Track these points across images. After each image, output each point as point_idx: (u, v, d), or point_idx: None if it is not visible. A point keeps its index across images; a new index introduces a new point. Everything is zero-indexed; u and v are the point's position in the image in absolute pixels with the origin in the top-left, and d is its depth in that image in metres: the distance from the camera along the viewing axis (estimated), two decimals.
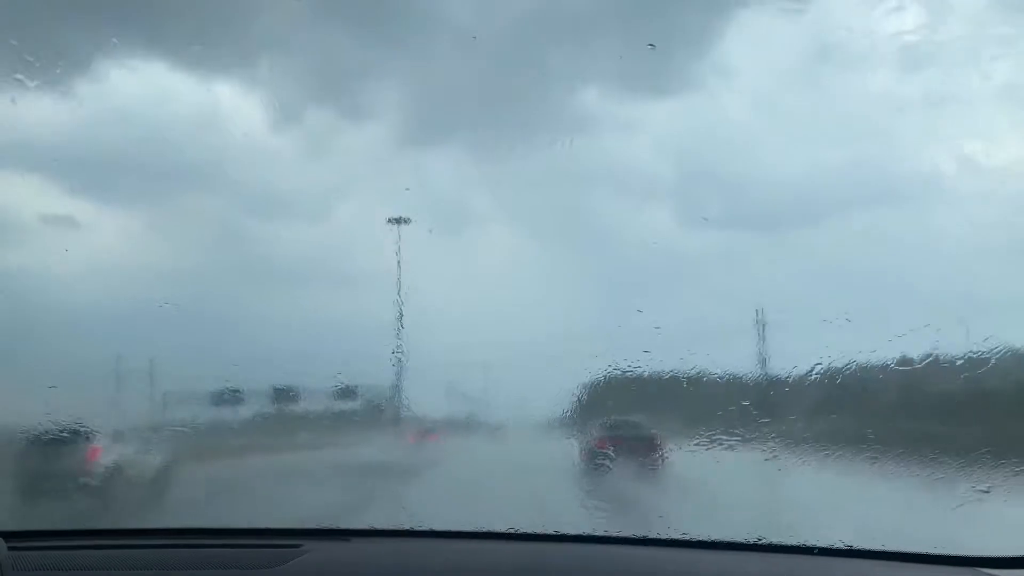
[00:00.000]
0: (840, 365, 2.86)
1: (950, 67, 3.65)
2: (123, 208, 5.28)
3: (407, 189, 3.94)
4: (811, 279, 4.03)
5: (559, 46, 4.33)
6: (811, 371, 2.84)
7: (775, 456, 2.83)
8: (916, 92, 3.79)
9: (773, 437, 2.94)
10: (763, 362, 3.56)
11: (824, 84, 4.15)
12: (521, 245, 5.31)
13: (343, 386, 3.63)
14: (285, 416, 3.83)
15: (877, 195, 3.85)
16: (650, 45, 3.43)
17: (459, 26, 4.77)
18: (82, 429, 3.28)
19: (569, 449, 3.57)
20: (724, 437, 2.95)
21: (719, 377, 3.28)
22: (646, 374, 3.27)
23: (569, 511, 2.91)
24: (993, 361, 2.59)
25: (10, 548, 1.45)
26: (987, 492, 2.32)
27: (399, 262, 3.75)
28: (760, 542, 1.90)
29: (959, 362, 2.68)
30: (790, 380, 2.96)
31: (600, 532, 2.09)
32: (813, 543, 1.84)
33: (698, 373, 3.31)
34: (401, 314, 3.51)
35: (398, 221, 3.88)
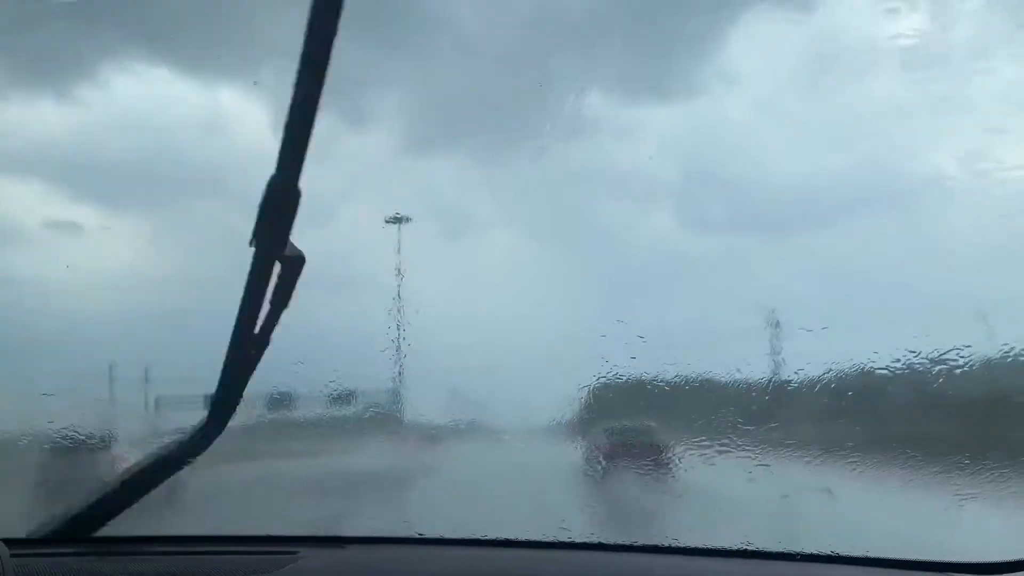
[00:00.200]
0: (842, 370, 2.84)
1: (953, 69, 3.62)
2: (126, 213, 5.27)
3: (408, 192, 3.93)
4: (817, 281, 4.00)
5: (561, 50, 4.31)
6: (821, 376, 2.82)
7: (769, 463, 2.81)
8: (919, 94, 3.76)
9: (775, 441, 2.92)
10: (773, 365, 3.54)
11: (827, 87, 4.12)
12: (523, 248, 5.29)
13: (341, 390, 3.61)
14: (281, 420, 3.80)
15: (877, 196, 3.82)
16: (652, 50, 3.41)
17: (461, 30, 4.77)
18: (79, 435, 3.27)
19: (572, 454, 3.54)
20: (727, 441, 2.93)
21: (724, 381, 3.26)
22: (648, 377, 3.25)
23: (572, 517, 2.88)
24: (993, 363, 2.56)
25: (13, 555, 1.44)
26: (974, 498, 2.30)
27: (399, 266, 3.74)
28: (745, 548, 1.88)
29: (977, 366, 2.65)
30: (798, 384, 2.94)
31: (601, 540, 2.08)
32: (796, 550, 1.82)
33: (701, 377, 3.29)
34: (400, 317, 3.49)
35: (398, 220, 3.88)
